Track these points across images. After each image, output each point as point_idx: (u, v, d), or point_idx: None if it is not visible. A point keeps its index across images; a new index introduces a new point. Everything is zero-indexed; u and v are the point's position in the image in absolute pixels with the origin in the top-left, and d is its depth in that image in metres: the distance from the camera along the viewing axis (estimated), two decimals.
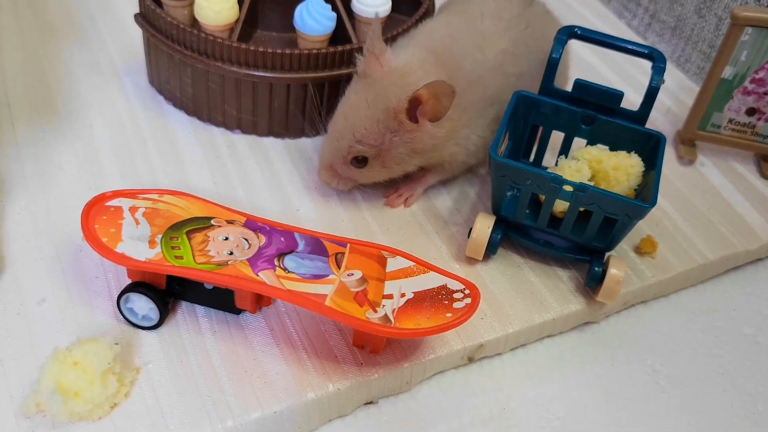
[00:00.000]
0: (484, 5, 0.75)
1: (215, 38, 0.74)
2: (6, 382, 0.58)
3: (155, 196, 0.65)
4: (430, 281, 0.61)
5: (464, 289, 0.61)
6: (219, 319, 0.63)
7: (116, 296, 0.63)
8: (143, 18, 0.79)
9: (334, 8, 0.78)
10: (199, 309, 0.64)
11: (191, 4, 0.77)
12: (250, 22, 0.81)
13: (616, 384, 0.66)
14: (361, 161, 0.69)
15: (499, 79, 0.73)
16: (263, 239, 0.62)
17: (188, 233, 0.62)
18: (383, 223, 0.73)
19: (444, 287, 0.61)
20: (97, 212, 0.62)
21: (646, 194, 0.66)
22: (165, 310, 0.62)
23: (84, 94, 0.83)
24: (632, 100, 0.88)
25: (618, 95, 0.69)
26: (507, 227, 0.70)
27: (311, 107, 0.78)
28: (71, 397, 0.54)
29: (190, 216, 0.63)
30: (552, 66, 0.70)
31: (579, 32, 0.71)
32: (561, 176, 0.64)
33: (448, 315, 0.58)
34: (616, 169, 0.68)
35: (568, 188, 0.63)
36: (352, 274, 0.60)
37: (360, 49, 0.69)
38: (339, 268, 0.61)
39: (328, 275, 0.60)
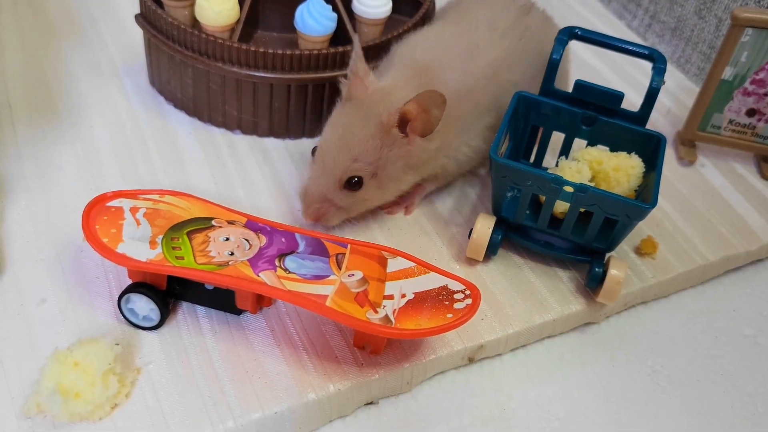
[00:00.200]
0: (478, 15, 0.74)
1: (216, 39, 0.74)
2: (6, 383, 0.58)
3: (156, 197, 0.65)
4: (430, 282, 0.61)
5: (465, 289, 0.61)
6: (220, 320, 0.63)
7: (117, 297, 0.63)
8: (144, 18, 0.79)
9: (335, 9, 0.78)
10: (200, 309, 0.64)
11: (192, 4, 0.77)
12: (250, 23, 0.82)
13: (617, 385, 0.67)
14: (355, 184, 0.67)
15: (492, 88, 0.72)
16: (264, 240, 0.62)
17: (189, 234, 0.62)
18: (384, 224, 0.73)
19: (445, 288, 0.61)
20: (98, 213, 0.62)
21: (646, 195, 0.66)
22: (166, 311, 0.62)
23: (84, 95, 0.83)
24: (632, 101, 0.88)
25: (618, 96, 0.69)
26: (507, 228, 0.70)
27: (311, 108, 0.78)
28: (72, 397, 0.54)
29: (190, 216, 0.63)
30: (552, 67, 0.70)
31: (579, 33, 0.71)
32: (561, 177, 0.64)
33: (449, 316, 0.58)
34: (617, 170, 0.68)
35: (569, 189, 0.63)
36: (353, 275, 0.60)
37: (344, 75, 0.69)
38: (340, 268, 0.61)
39: (328, 276, 0.60)
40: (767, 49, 0.77)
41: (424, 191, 0.75)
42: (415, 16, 0.80)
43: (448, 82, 0.69)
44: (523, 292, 0.69)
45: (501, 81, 0.72)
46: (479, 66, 0.71)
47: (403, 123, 0.65)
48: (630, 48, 0.70)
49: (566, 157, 0.73)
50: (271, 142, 0.80)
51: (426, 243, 0.72)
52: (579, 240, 0.68)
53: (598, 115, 0.70)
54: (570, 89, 0.72)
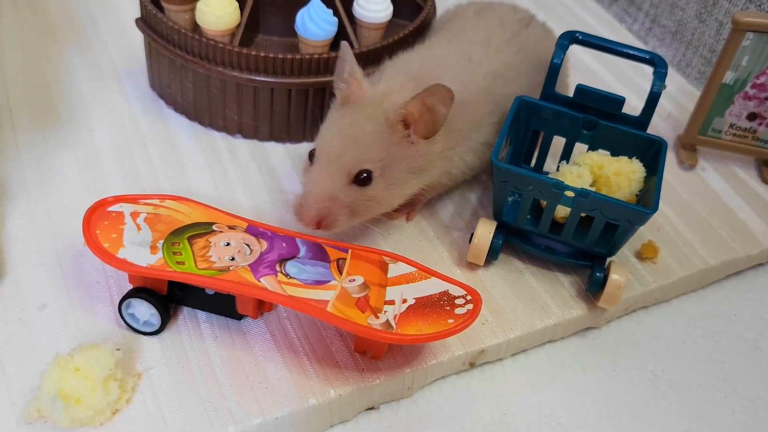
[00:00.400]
0: (473, 31, 0.74)
1: (216, 43, 0.74)
2: (7, 388, 0.58)
3: (157, 202, 0.65)
4: (431, 287, 0.61)
5: (466, 295, 0.61)
6: (220, 325, 0.63)
7: (117, 302, 0.62)
8: (144, 22, 0.79)
9: (336, 13, 0.78)
10: (201, 314, 0.64)
11: (192, 8, 0.78)
12: (251, 27, 0.81)
13: (617, 389, 0.66)
14: (365, 179, 0.64)
15: (489, 101, 0.71)
16: (265, 245, 0.62)
17: (190, 239, 0.62)
18: (384, 229, 0.73)
19: (446, 293, 0.61)
20: (98, 218, 0.62)
21: (647, 200, 0.66)
22: (166, 316, 0.62)
23: (85, 98, 0.83)
24: (633, 105, 0.88)
25: (619, 101, 0.69)
26: (508, 232, 0.70)
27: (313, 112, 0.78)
28: (73, 403, 0.54)
29: (191, 221, 0.63)
30: (553, 71, 0.70)
31: (581, 37, 0.71)
32: (563, 182, 0.64)
33: (450, 321, 0.58)
34: (618, 174, 0.68)
35: (570, 194, 0.63)
36: (354, 280, 0.60)
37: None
38: (341, 273, 0.61)
39: (329, 281, 0.60)
40: None
41: (425, 198, 0.75)
42: (416, 20, 0.80)
43: None
44: (524, 296, 0.69)
45: (497, 95, 0.72)
46: (475, 79, 0.71)
47: (406, 124, 0.65)
48: (631, 52, 0.70)
49: (567, 162, 0.73)
50: (271, 147, 0.80)
51: (427, 248, 0.72)
52: (580, 245, 0.68)
53: (599, 119, 0.70)
54: (570, 93, 0.72)
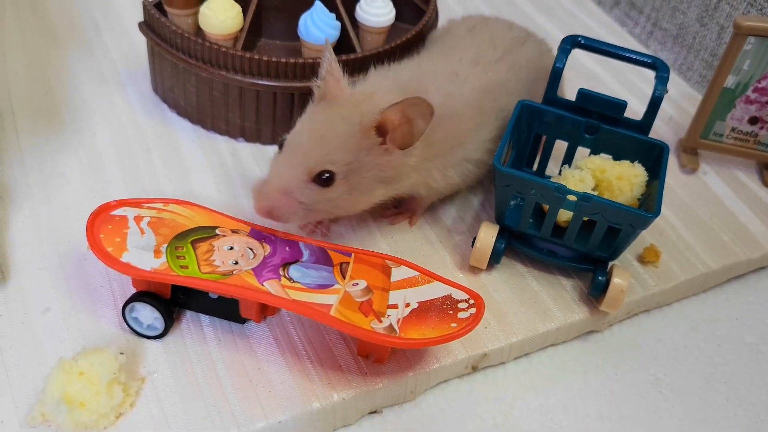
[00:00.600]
0: (463, 49, 0.73)
1: (219, 47, 0.74)
2: (11, 392, 0.58)
3: (160, 205, 0.65)
4: (434, 291, 0.61)
5: (469, 299, 0.61)
6: (224, 329, 0.63)
7: (121, 305, 0.63)
8: (147, 26, 0.79)
9: (338, 17, 0.78)
10: (204, 318, 0.64)
11: (195, 12, 0.78)
12: (254, 31, 0.82)
13: (619, 393, 0.67)
14: (326, 180, 0.62)
15: (474, 114, 0.70)
16: (268, 249, 0.62)
17: (193, 243, 0.62)
18: (387, 232, 0.73)
19: (449, 297, 0.61)
20: (102, 221, 0.62)
21: (649, 204, 0.66)
22: (170, 320, 0.62)
23: (87, 102, 0.83)
24: (635, 109, 0.88)
25: (621, 105, 0.69)
26: (511, 236, 0.70)
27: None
28: (77, 407, 0.55)
29: (194, 225, 0.64)
30: (555, 76, 0.71)
31: (583, 42, 0.71)
32: (565, 186, 0.64)
33: (453, 325, 0.58)
34: (620, 178, 0.68)
35: (573, 198, 0.63)
36: (357, 284, 0.60)
37: (315, 74, 0.66)
38: (344, 277, 0.61)
39: (333, 285, 0.60)
40: None
41: (426, 203, 0.74)
42: (419, 24, 0.80)
43: (431, 101, 0.65)
44: (527, 300, 0.69)
45: (485, 108, 0.70)
46: (462, 92, 0.69)
47: (383, 131, 0.62)
48: (633, 57, 0.70)
49: (569, 166, 0.73)
50: (274, 150, 0.80)
51: (429, 251, 0.72)
52: (582, 248, 0.68)
53: (601, 123, 0.71)
54: (566, 96, 0.72)
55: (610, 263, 0.69)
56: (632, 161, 0.69)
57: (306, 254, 0.63)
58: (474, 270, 0.71)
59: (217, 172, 0.77)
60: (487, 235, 0.68)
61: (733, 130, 0.83)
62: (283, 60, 0.74)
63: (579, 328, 0.69)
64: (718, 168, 0.86)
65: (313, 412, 0.59)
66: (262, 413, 0.58)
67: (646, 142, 0.70)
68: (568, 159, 0.74)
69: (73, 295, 0.65)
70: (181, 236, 0.62)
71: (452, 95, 0.69)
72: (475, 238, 0.69)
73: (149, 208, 0.64)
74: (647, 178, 0.69)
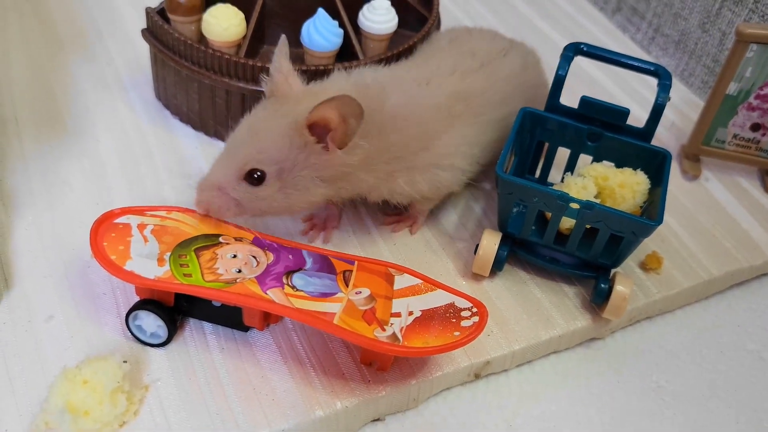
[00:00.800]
0: (440, 59, 0.72)
1: (222, 54, 0.74)
2: (15, 400, 0.58)
3: (163, 213, 0.65)
4: (437, 299, 0.61)
5: (472, 307, 0.61)
6: (227, 336, 0.63)
7: (124, 313, 0.63)
8: (150, 33, 0.79)
9: (341, 24, 0.78)
10: (207, 326, 0.64)
11: (199, 20, 0.78)
12: (257, 38, 0.82)
13: (622, 400, 0.67)
14: (256, 179, 0.62)
15: (442, 117, 0.68)
16: (271, 257, 0.62)
17: (197, 251, 0.62)
18: (389, 240, 0.73)
19: (452, 305, 0.61)
20: (105, 229, 0.62)
21: (652, 212, 0.66)
22: (173, 328, 0.62)
23: (91, 109, 0.84)
24: (637, 116, 0.88)
25: (624, 112, 0.70)
26: (513, 244, 0.70)
27: None
28: (81, 415, 0.55)
29: (198, 233, 0.64)
30: (558, 83, 0.71)
31: (585, 49, 0.71)
32: (568, 194, 0.64)
33: (456, 333, 0.58)
34: (622, 186, 0.68)
35: (575, 206, 0.63)
36: (360, 292, 0.60)
37: (266, 70, 0.65)
38: (347, 286, 0.61)
39: (336, 293, 0.60)
40: None
41: (426, 210, 0.74)
42: (421, 30, 0.80)
43: (389, 104, 0.65)
44: (529, 307, 0.69)
45: (455, 113, 0.69)
46: (429, 96, 0.68)
47: (324, 131, 0.61)
48: (635, 64, 0.70)
49: (572, 173, 0.73)
50: None
51: (432, 259, 0.72)
52: (585, 256, 0.68)
53: (604, 131, 0.71)
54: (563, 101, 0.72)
55: (613, 271, 0.69)
56: (635, 169, 0.69)
57: (309, 262, 0.63)
58: (476, 277, 0.71)
59: None
60: (490, 242, 0.68)
61: (735, 136, 0.83)
62: (304, 68, 0.73)
63: (581, 335, 0.69)
64: (720, 175, 0.86)
65: (316, 420, 0.59)
66: (265, 421, 0.58)
67: (649, 150, 0.70)
68: (571, 166, 0.74)
69: (77, 303, 0.65)
70: (185, 244, 0.62)
71: (416, 98, 0.67)
72: (477, 246, 0.69)
73: (153, 215, 0.64)
74: (650, 186, 0.69)
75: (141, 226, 0.63)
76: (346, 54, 0.79)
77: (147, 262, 0.60)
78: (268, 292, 0.59)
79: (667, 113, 0.92)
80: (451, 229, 0.75)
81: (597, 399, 0.67)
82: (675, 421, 0.66)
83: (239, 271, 0.60)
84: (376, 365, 0.62)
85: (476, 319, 0.60)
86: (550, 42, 1.03)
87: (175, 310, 0.62)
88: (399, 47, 0.78)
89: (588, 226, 0.66)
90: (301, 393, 0.60)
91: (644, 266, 0.74)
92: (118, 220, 0.63)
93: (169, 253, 0.61)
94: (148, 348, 0.62)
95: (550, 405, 0.66)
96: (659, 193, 0.66)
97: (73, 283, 0.66)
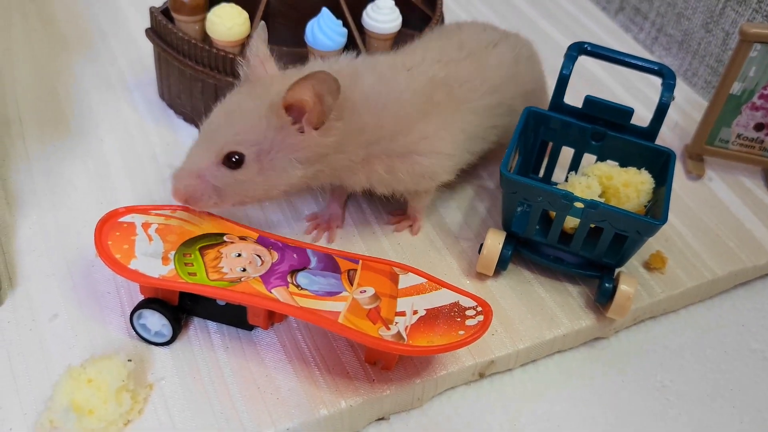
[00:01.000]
0: (425, 49, 0.71)
1: (226, 53, 0.74)
2: (19, 399, 0.58)
3: (168, 212, 0.65)
4: (442, 298, 0.61)
5: (476, 306, 0.61)
6: (231, 335, 0.63)
7: (129, 312, 0.63)
8: (154, 33, 0.79)
9: (345, 24, 0.78)
10: (212, 325, 0.64)
11: (203, 19, 0.78)
12: None
13: (626, 400, 0.67)
14: (235, 163, 0.61)
15: (420, 102, 0.67)
16: (276, 256, 0.62)
17: (201, 249, 0.62)
18: (394, 239, 0.73)
19: (456, 304, 0.61)
20: (110, 228, 0.62)
21: (656, 211, 0.66)
22: (178, 327, 0.62)
23: (95, 109, 0.84)
24: (640, 115, 0.88)
25: (628, 112, 0.70)
26: (517, 243, 0.70)
27: None
28: (85, 414, 0.55)
29: (202, 232, 0.64)
30: (562, 82, 0.71)
31: (589, 48, 0.71)
32: (572, 193, 0.64)
33: (461, 332, 0.58)
34: (627, 185, 0.68)
35: (580, 205, 0.63)
36: (365, 291, 0.60)
37: (242, 55, 0.64)
38: (351, 284, 0.61)
39: (340, 292, 0.60)
40: None
41: (421, 208, 0.74)
42: (425, 30, 0.80)
43: (362, 85, 0.64)
44: (533, 307, 0.69)
45: (435, 100, 0.68)
46: (407, 81, 0.67)
47: (299, 112, 0.60)
48: (640, 63, 0.70)
49: (576, 173, 0.73)
50: None
51: (436, 258, 0.72)
52: (589, 255, 0.68)
53: (608, 130, 0.71)
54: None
55: (617, 270, 0.69)
56: (639, 168, 0.69)
57: (314, 261, 0.63)
58: (480, 276, 0.71)
59: None
60: (494, 241, 0.68)
61: (738, 136, 0.83)
62: (290, 66, 0.73)
63: (585, 334, 0.69)
64: (724, 174, 0.86)
65: (320, 419, 0.59)
66: (269, 420, 0.58)
67: (653, 149, 0.70)
68: (575, 165, 0.74)
69: (81, 302, 0.65)
70: (189, 243, 0.62)
71: (391, 82, 0.66)
72: (481, 245, 0.69)
73: (157, 215, 0.64)
74: (654, 185, 0.69)
75: (145, 225, 0.63)
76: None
77: (151, 261, 0.60)
78: (272, 291, 0.59)
79: (671, 113, 0.92)
80: (455, 229, 0.75)
81: (601, 398, 0.66)
82: (679, 420, 0.66)
83: (244, 270, 0.60)
84: (381, 364, 0.62)
85: (481, 318, 0.60)
86: (553, 42, 1.03)
87: (180, 309, 0.62)
88: (403, 46, 0.77)
89: (592, 226, 0.66)
90: (306, 392, 0.60)
91: (648, 266, 0.74)
92: (122, 219, 0.63)
93: (173, 252, 0.61)
94: (153, 347, 0.62)
95: (554, 404, 0.66)
96: (663, 193, 0.66)
97: (77, 282, 0.66)
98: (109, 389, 0.55)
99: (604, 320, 0.69)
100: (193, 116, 0.82)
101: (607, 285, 0.67)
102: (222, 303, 0.62)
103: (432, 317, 0.59)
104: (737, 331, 0.74)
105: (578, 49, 0.71)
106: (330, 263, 0.63)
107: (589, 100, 0.70)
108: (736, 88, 0.80)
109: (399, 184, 0.68)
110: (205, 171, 0.62)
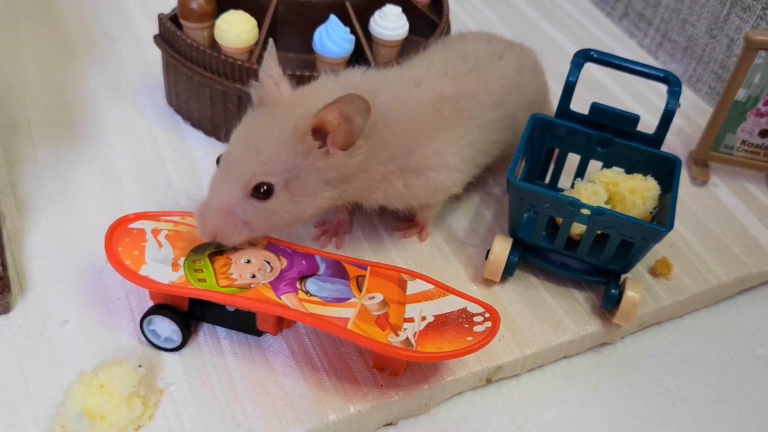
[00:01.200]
0: (431, 61, 0.71)
1: (234, 60, 0.75)
2: (31, 404, 0.59)
3: (177, 218, 0.65)
4: (450, 304, 0.62)
5: (484, 312, 0.61)
6: (240, 341, 0.64)
7: (139, 318, 0.63)
8: (163, 39, 0.80)
9: (353, 31, 0.78)
10: (221, 330, 0.64)
11: (211, 26, 0.78)
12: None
13: (632, 405, 0.67)
14: (264, 193, 0.59)
15: (432, 116, 0.67)
16: (285, 262, 0.63)
17: (211, 256, 0.62)
18: (401, 245, 0.74)
19: (464, 310, 0.61)
20: (120, 234, 0.63)
21: (662, 218, 0.67)
22: (188, 333, 0.62)
23: (103, 114, 0.84)
24: (644, 120, 0.89)
25: (634, 119, 0.70)
26: (524, 249, 0.71)
27: None
28: (97, 420, 0.55)
29: None
30: (568, 89, 0.71)
31: (595, 55, 0.72)
32: (578, 200, 0.64)
33: (469, 339, 0.58)
34: (633, 192, 0.68)
35: (586, 212, 0.64)
36: (374, 297, 0.61)
37: (255, 76, 0.62)
38: (360, 291, 0.61)
39: (349, 298, 0.60)
40: None
41: (430, 217, 0.74)
42: (432, 36, 0.80)
43: (380, 102, 0.63)
44: (540, 313, 0.69)
45: (444, 116, 0.68)
46: (419, 96, 0.67)
47: (323, 134, 0.59)
48: (645, 70, 0.71)
49: (582, 179, 0.73)
50: None
51: (443, 264, 0.73)
52: (595, 261, 0.68)
53: (614, 137, 0.71)
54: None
55: (623, 276, 0.70)
56: (645, 175, 0.70)
57: (322, 267, 0.63)
58: (487, 282, 0.71)
59: None
60: (501, 247, 0.69)
61: (743, 142, 0.84)
62: (298, 73, 0.74)
63: (592, 340, 0.70)
64: (729, 180, 0.86)
65: (329, 424, 0.59)
66: (279, 425, 0.59)
67: (659, 156, 0.70)
68: (581, 172, 0.74)
69: (91, 307, 0.65)
70: (199, 249, 0.63)
71: (405, 99, 0.66)
72: (488, 251, 0.69)
73: (166, 221, 0.65)
74: (660, 192, 0.69)
75: (155, 231, 0.64)
76: (358, 60, 0.80)
77: (161, 267, 0.60)
78: (282, 297, 0.59)
79: (675, 119, 0.92)
80: (462, 235, 0.76)
81: (607, 403, 0.67)
82: (685, 426, 0.66)
83: (253, 276, 0.61)
84: (389, 370, 0.62)
85: (489, 324, 0.60)
86: (558, 48, 1.03)
87: (189, 314, 0.63)
88: (410, 53, 0.78)
89: (599, 232, 0.66)
90: (315, 397, 0.61)
91: (654, 272, 0.74)
92: (132, 225, 0.64)
93: (183, 258, 0.61)
94: (162, 352, 0.63)
95: (560, 410, 0.66)
96: (669, 199, 0.67)
97: (86, 287, 0.67)
98: (121, 395, 0.56)
99: (610, 326, 0.69)
100: (201, 122, 0.82)
101: (613, 291, 0.68)
102: (231, 309, 0.62)
103: (440, 323, 0.60)
104: (742, 336, 0.74)
105: (584, 56, 0.72)
106: (338, 270, 0.63)
107: (596, 107, 0.71)
108: (741, 94, 0.80)
109: (414, 199, 0.68)
110: (234, 206, 0.60)
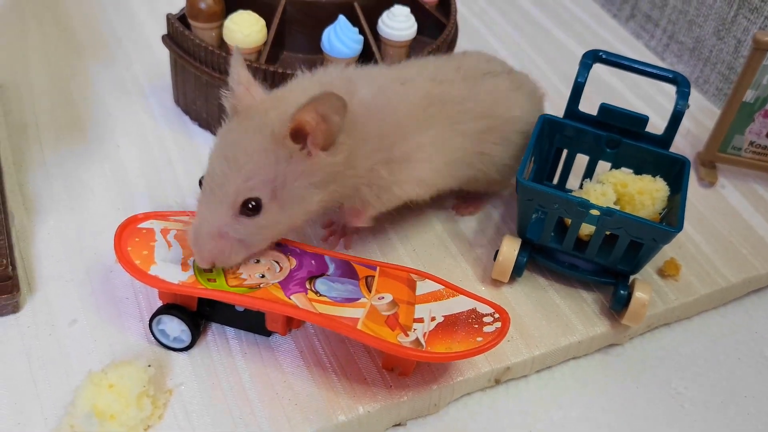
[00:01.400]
0: (423, 68, 0.69)
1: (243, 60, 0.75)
2: (39, 403, 0.59)
3: (186, 218, 0.65)
4: (459, 305, 0.62)
5: (494, 313, 0.61)
6: (249, 341, 0.64)
7: (147, 317, 0.63)
8: (171, 39, 0.80)
9: (361, 31, 0.78)
10: (230, 330, 0.64)
11: (219, 26, 0.78)
12: (277, 44, 0.82)
13: (641, 406, 0.67)
14: (253, 209, 0.58)
15: (417, 113, 0.65)
16: (294, 262, 0.63)
17: None
18: (410, 245, 0.74)
19: (474, 311, 0.61)
20: (129, 234, 0.63)
21: (671, 218, 0.67)
22: (197, 332, 0.62)
23: (111, 115, 0.84)
24: (654, 123, 0.89)
25: (643, 119, 0.70)
26: (532, 250, 0.71)
27: None
28: (107, 419, 0.55)
29: None
30: (577, 90, 0.71)
31: (604, 56, 0.72)
32: (588, 200, 0.64)
33: (479, 339, 0.58)
34: (641, 193, 0.68)
35: (595, 213, 0.64)
36: (383, 298, 0.61)
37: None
38: (369, 291, 0.61)
39: (359, 299, 0.60)
40: None
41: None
42: (440, 37, 0.80)
43: (360, 96, 0.61)
44: (549, 313, 0.69)
45: (429, 114, 0.66)
46: (403, 92, 0.65)
47: (302, 136, 0.57)
48: (654, 71, 0.71)
49: (590, 180, 0.73)
50: None
51: (451, 264, 0.73)
52: (604, 262, 0.68)
53: (622, 138, 0.71)
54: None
55: (632, 277, 0.69)
56: (653, 175, 0.70)
57: (332, 268, 0.63)
58: (496, 283, 0.71)
59: None
60: (510, 248, 0.69)
61: (751, 144, 0.84)
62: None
63: (600, 341, 0.70)
64: (737, 181, 0.86)
65: (338, 424, 0.59)
66: (288, 426, 0.59)
67: (668, 157, 0.70)
68: (589, 173, 0.74)
69: (100, 307, 0.65)
70: None
71: (389, 92, 0.64)
72: (497, 252, 0.69)
73: (176, 221, 0.65)
74: (668, 193, 0.69)
75: (164, 231, 0.64)
76: (366, 60, 0.80)
77: (171, 266, 0.60)
78: (291, 297, 0.59)
79: (683, 120, 0.91)
80: (470, 235, 0.76)
81: (616, 404, 0.67)
82: (693, 427, 0.66)
83: (263, 276, 0.61)
84: (398, 370, 0.62)
85: (498, 324, 0.60)
86: (565, 49, 1.03)
87: (199, 314, 0.63)
88: (418, 54, 0.78)
89: (607, 233, 0.66)
90: (324, 398, 0.61)
91: (662, 273, 0.74)
92: (141, 225, 0.64)
93: (192, 258, 0.61)
94: (171, 352, 0.63)
95: (569, 411, 0.66)
96: (678, 200, 0.67)
97: (95, 287, 0.67)
98: (131, 394, 0.56)
99: (619, 327, 0.69)
100: (209, 122, 0.82)
101: (622, 292, 0.68)
102: (240, 309, 0.62)
103: (450, 324, 0.60)
104: (751, 338, 0.74)
105: (593, 57, 0.72)
106: (348, 270, 0.63)
107: (605, 108, 0.71)
108: (749, 95, 0.80)
109: (397, 188, 0.65)
110: (225, 228, 0.58)
